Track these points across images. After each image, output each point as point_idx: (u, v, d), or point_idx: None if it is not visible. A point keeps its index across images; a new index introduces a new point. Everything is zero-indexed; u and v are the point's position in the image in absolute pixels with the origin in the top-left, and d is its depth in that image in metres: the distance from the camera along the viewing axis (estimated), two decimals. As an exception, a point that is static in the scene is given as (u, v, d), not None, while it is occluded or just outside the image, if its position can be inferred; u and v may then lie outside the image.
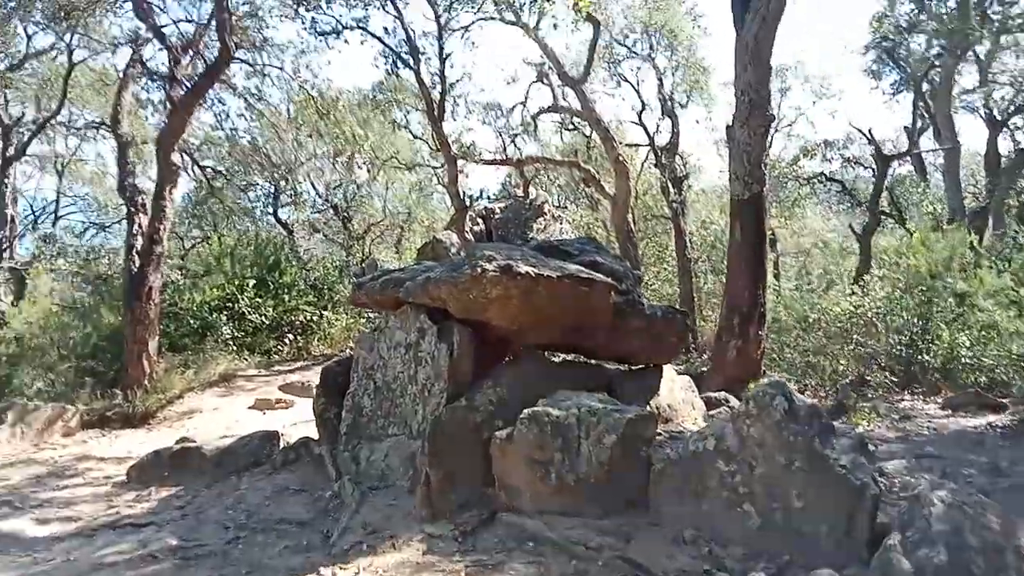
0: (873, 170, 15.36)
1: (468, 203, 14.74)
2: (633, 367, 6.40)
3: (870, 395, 8.02)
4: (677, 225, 16.17)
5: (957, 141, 13.82)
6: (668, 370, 6.50)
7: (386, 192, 21.66)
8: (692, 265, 15.95)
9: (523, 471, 4.49)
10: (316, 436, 6.52)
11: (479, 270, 4.91)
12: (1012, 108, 14.25)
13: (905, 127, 15.96)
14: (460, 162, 14.61)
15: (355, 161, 17.63)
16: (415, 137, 19.25)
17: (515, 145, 18.90)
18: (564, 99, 16.35)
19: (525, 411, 4.60)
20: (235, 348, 10.94)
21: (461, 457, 4.86)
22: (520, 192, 17.24)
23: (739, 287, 8.27)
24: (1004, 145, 15.10)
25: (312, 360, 11.18)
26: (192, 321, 11.13)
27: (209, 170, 14.32)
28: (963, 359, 7.98)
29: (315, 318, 11.89)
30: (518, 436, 4.54)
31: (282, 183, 17.07)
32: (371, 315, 10.63)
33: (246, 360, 10.76)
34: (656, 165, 17.00)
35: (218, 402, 9.01)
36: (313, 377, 8.57)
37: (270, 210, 17.86)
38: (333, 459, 5.99)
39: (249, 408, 8.71)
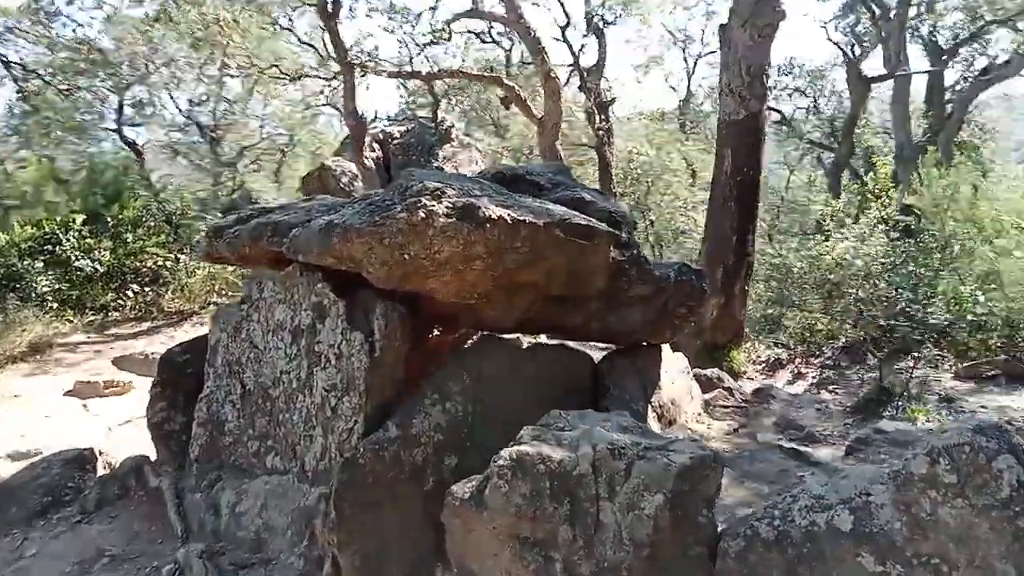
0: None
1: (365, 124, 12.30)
2: (621, 348, 4.59)
3: (869, 364, 6.71)
4: (602, 155, 14.47)
5: (908, 68, 12.74)
6: (666, 350, 4.78)
7: (264, 109, 18.39)
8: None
9: (504, 556, 2.64)
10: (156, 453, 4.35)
11: (422, 213, 2.83)
12: (959, 37, 13.36)
13: (846, 53, 14.75)
14: (358, 72, 11.96)
15: (223, 64, 14.39)
16: (301, 42, 16.13)
17: (419, 59, 16.19)
18: (481, 3, 13.84)
19: (504, 453, 2.71)
20: (55, 306, 8.17)
21: (391, 526, 2.93)
22: (425, 115, 14.88)
23: (724, 233, 6.65)
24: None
25: (164, 319, 8.59)
26: (-6, 271, 8.20)
27: (17, 67, 10.76)
28: (972, 315, 6.64)
29: (168, 264, 9.22)
30: (493, 496, 2.64)
31: (127, 93, 13.61)
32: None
33: (70, 322, 8.04)
34: (580, 88, 15.05)
35: (22, 385, 6.42)
36: (162, 346, 6.16)
37: (114, 127, 14.33)
38: (178, 502, 3.89)
39: (67, 394, 6.24)
